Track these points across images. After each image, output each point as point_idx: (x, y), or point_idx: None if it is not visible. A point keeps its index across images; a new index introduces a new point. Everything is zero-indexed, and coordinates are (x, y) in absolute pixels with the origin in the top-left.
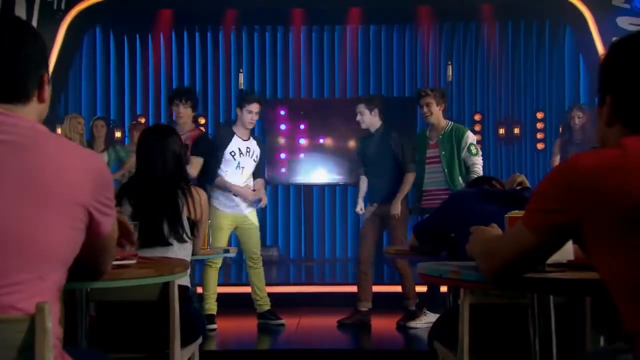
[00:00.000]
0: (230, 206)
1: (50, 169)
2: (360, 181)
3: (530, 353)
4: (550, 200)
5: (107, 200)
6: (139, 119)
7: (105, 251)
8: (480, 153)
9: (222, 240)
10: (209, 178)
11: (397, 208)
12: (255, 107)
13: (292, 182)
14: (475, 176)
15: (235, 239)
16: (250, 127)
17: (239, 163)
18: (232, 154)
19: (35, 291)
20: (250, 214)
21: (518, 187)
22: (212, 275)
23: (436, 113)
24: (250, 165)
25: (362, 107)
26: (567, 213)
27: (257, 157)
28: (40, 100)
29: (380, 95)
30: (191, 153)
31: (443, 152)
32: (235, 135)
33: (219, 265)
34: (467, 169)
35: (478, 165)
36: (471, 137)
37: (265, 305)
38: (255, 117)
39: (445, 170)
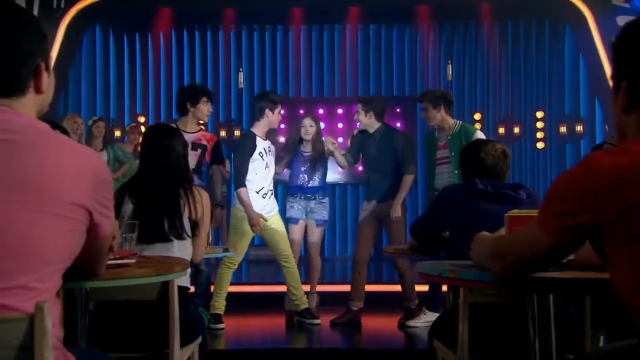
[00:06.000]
0: (260, 209)
1: (50, 170)
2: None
3: (529, 352)
4: (568, 202)
5: (106, 201)
6: (138, 119)
7: (101, 254)
8: None
9: (244, 244)
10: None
11: (397, 211)
12: (280, 107)
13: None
14: None
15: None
16: (276, 127)
17: (267, 163)
18: (261, 154)
19: (35, 293)
20: (273, 218)
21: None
22: (227, 274)
23: (435, 116)
24: (272, 163)
25: (359, 107)
26: (586, 214)
27: (274, 154)
28: (38, 91)
29: (381, 97)
30: (213, 159)
31: (453, 153)
32: (257, 137)
33: (236, 266)
34: None
35: None
36: (480, 136)
37: (302, 304)
38: None
39: (456, 171)
